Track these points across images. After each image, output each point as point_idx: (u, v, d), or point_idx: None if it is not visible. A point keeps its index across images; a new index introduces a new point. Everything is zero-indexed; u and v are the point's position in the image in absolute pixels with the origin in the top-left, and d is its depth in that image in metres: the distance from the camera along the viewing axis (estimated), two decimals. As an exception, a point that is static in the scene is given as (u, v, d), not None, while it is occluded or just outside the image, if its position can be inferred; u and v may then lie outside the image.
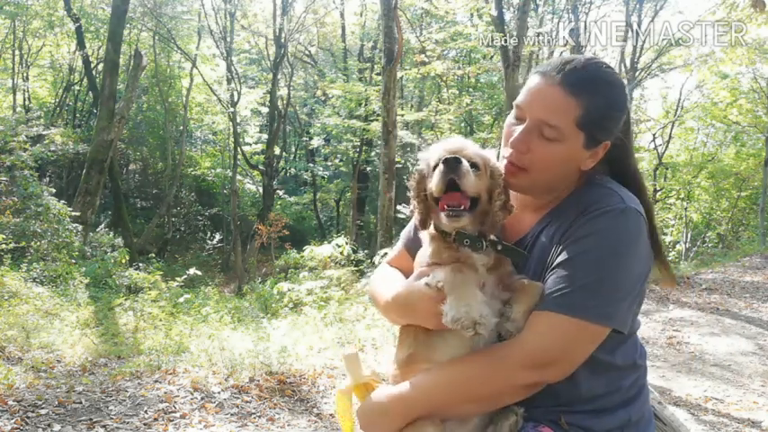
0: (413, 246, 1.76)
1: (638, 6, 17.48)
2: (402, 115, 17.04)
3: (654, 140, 23.06)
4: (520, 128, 1.50)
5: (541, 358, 1.38)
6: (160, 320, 7.66)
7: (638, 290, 1.45)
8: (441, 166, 1.41)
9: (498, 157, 1.60)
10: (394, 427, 1.47)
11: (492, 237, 1.49)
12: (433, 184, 1.43)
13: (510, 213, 1.51)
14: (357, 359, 1.68)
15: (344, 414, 1.66)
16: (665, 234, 22.92)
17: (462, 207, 1.42)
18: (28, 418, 3.85)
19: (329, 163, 25.32)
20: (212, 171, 24.63)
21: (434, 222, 1.53)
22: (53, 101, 22.03)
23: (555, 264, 1.44)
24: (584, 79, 1.44)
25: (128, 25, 18.42)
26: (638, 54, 17.24)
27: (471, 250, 1.47)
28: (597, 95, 1.45)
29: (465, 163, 1.41)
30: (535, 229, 1.58)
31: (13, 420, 3.75)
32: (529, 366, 1.38)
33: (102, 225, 16.84)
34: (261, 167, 22.20)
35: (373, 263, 9.13)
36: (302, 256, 10.87)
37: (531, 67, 15.68)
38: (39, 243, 9.86)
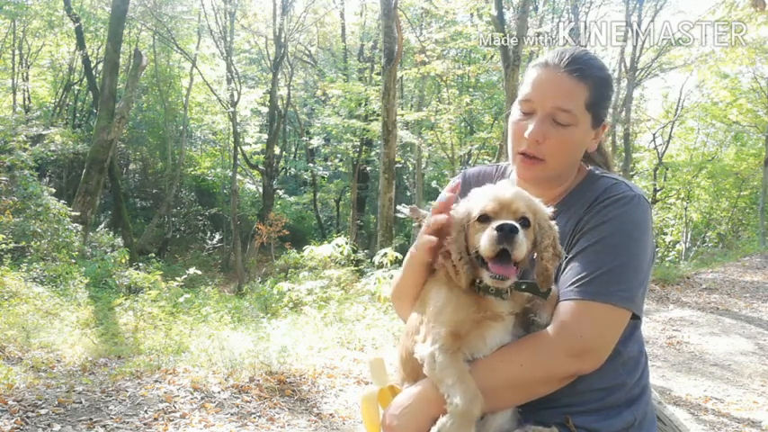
0: None
1: (638, 6, 17.47)
2: (402, 115, 17.03)
3: (654, 140, 23.11)
4: (531, 121, 1.55)
5: (579, 346, 1.38)
6: (160, 320, 7.65)
7: (648, 274, 1.50)
8: (493, 233, 1.32)
9: (507, 154, 1.63)
10: (422, 423, 1.41)
11: (515, 279, 1.41)
12: (482, 247, 1.34)
13: (560, 259, 1.44)
14: (382, 364, 1.65)
15: (370, 420, 1.61)
16: (664, 234, 22.93)
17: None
18: (28, 417, 3.85)
19: (329, 163, 25.31)
20: (212, 171, 24.63)
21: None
22: (53, 101, 22.03)
23: (574, 253, 1.48)
24: (584, 64, 1.55)
25: (128, 25, 18.42)
26: (638, 54, 17.23)
27: (494, 297, 1.41)
28: (596, 78, 1.56)
29: (520, 234, 1.32)
30: None
31: (13, 420, 3.75)
32: (569, 354, 1.39)
33: (102, 225, 16.85)
34: (261, 167, 22.18)
35: (373, 263, 9.12)
36: (302, 256, 10.84)
37: (531, 67, 15.64)
38: (39, 243, 9.87)
